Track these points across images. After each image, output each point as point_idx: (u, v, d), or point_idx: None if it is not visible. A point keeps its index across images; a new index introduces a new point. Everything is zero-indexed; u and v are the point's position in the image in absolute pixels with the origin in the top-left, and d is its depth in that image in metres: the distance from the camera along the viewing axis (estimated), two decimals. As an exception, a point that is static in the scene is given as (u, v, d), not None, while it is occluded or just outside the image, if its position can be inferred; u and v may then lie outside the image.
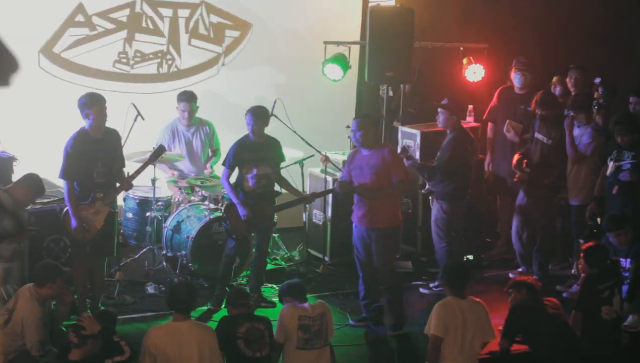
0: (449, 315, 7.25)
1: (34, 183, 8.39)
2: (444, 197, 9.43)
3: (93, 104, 8.30)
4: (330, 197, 10.14)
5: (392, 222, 8.57)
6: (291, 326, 7.13)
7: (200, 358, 6.72)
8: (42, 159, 9.69)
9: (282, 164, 10.18)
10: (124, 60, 10.60)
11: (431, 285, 9.68)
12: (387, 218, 8.53)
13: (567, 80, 10.62)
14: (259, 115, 9.02)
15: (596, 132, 9.65)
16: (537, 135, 9.81)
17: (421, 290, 9.71)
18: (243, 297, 7.27)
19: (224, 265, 9.09)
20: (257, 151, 9.01)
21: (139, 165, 8.72)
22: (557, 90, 10.61)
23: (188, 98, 10.20)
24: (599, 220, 9.25)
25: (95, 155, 8.32)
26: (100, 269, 8.64)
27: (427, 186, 9.69)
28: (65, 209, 8.40)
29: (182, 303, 6.90)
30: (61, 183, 9.38)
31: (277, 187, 9.31)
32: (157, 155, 8.74)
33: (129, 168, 8.75)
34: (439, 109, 9.47)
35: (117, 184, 8.49)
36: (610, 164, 9.25)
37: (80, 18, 10.35)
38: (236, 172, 9.09)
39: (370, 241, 8.56)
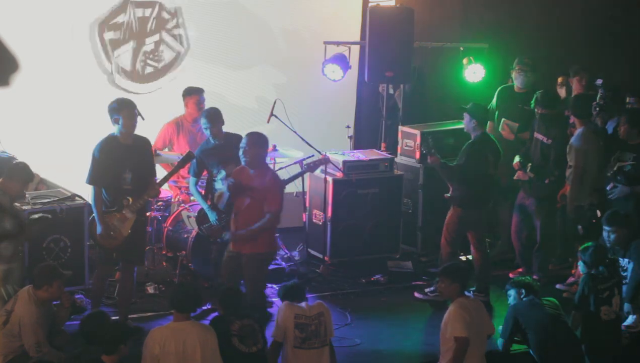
0: (469, 315, 7.20)
1: (22, 173, 8.30)
2: (458, 203, 9.37)
3: (122, 109, 8.18)
4: (330, 197, 10.15)
5: (264, 248, 8.27)
6: (288, 324, 7.15)
7: (202, 358, 6.75)
8: (42, 159, 9.69)
9: (282, 164, 10.23)
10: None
11: (427, 290, 9.64)
12: (260, 244, 8.23)
13: (575, 80, 10.58)
14: (213, 117, 9.01)
15: (594, 134, 9.61)
16: (537, 135, 9.81)
17: (416, 294, 9.65)
18: (235, 300, 7.23)
19: (217, 265, 9.11)
20: (220, 153, 8.99)
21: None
22: (564, 91, 10.62)
23: (200, 91, 10.17)
24: (598, 212, 9.24)
25: (123, 162, 8.20)
26: (129, 279, 8.54)
27: (450, 191, 9.61)
28: (92, 215, 8.35)
29: (187, 304, 6.93)
30: (61, 183, 9.42)
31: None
32: (185, 161, 8.64)
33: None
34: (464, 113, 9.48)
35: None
36: (612, 163, 9.27)
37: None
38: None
39: (240, 266, 8.29)
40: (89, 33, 10.39)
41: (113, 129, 8.25)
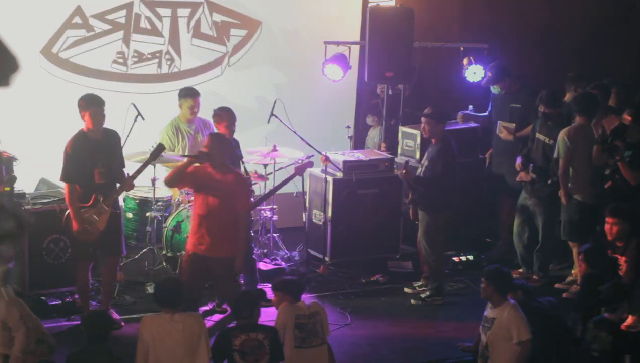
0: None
1: None
2: (435, 208, 9.40)
3: (89, 106, 8.31)
4: (330, 197, 10.15)
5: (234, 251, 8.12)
6: (288, 325, 7.16)
7: (192, 348, 6.83)
8: (42, 159, 9.68)
9: (283, 164, 10.24)
10: (121, 61, 10.60)
11: (422, 296, 9.63)
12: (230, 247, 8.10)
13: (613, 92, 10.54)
14: (235, 116, 8.99)
15: (586, 133, 9.57)
16: (539, 136, 9.79)
17: (405, 289, 9.69)
18: (245, 310, 7.10)
19: None
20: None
21: (140, 165, 8.70)
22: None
23: (195, 93, 10.16)
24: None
25: (95, 156, 8.31)
26: (111, 271, 8.60)
27: (410, 196, 9.60)
28: (67, 212, 8.39)
29: (170, 299, 6.96)
30: (61, 183, 9.41)
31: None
32: (156, 154, 8.71)
33: (131, 168, 8.75)
34: (424, 119, 9.41)
35: (118, 185, 8.48)
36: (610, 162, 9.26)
37: (77, 20, 10.35)
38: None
39: (209, 271, 8.15)
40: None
41: (81, 125, 8.35)
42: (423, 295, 9.53)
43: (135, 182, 8.67)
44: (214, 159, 8.03)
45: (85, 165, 8.30)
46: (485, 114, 10.80)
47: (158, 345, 6.81)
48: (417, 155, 10.38)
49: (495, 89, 10.56)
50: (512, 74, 10.59)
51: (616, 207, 8.48)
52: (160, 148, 8.67)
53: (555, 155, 9.54)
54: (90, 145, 8.31)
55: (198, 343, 6.88)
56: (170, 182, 8.38)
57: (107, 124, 8.52)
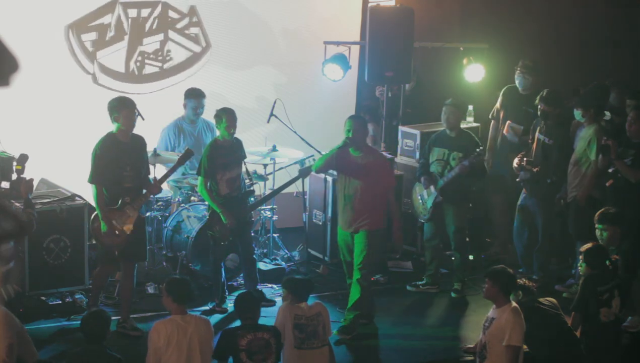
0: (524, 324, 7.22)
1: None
2: (470, 195, 9.63)
3: (122, 108, 8.28)
4: (330, 197, 10.14)
5: (380, 224, 8.74)
6: (287, 325, 7.15)
7: (201, 351, 6.82)
8: (43, 159, 9.68)
9: (283, 164, 10.24)
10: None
11: (419, 283, 9.74)
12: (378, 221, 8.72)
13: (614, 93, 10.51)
14: (235, 116, 9.01)
15: (603, 130, 9.56)
16: (539, 136, 9.78)
17: (408, 287, 9.74)
18: (249, 311, 7.12)
19: (215, 266, 9.13)
20: (229, 154, 9.00)
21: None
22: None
23: (199, 94, 10.16)
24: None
25: (123, 160, 8.29)
26: (130, 276, 8.57)
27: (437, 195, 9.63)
28: (95, 214, 8.38)
29: (185, 296, 6.96)
30: (61, 183, 9.43)
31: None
32: (184, 159, 8.71)
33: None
34: (448, 109, 9.48)
35: (144, 190, 8.46)
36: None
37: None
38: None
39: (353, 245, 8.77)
40: (65, 35, 10.23)
41: (112, 127, 8.32)
42: (419, 283, 9.77)
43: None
44: (355, 142, 8.61)
45: (114, 168, 8.27)
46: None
47: (171, 349, 6.76)
48: (417, 155, 10.37)
49: (526, 78, 10.39)
50: (541, 76, 10.55)
51: (604, 213, 8.50)
52: (188, 153, 8.69)
53: (577, 156, 9.52)
54: (120, 148, 8.29)
55: (207, 346, 6.87)
56: (320, 169, 9.07)
57: (106, 123, 8.51)
